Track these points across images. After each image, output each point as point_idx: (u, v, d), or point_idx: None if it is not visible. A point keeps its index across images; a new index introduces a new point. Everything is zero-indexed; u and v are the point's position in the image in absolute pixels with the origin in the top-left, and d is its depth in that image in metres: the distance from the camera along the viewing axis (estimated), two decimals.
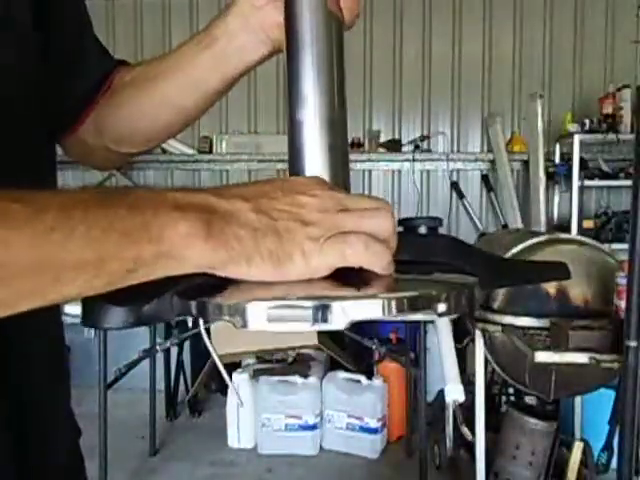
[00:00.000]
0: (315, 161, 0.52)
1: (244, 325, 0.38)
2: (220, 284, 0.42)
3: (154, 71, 0.72)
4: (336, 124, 0.53)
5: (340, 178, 0.53)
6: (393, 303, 0.39)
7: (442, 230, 4.67)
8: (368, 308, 0.39)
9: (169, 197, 0.40)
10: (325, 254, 0.41)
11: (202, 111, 0.72)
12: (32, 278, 0.36)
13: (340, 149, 0.53)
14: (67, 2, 0.70)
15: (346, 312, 0.38)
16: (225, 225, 0.40)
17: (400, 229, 0.46)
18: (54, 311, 0.69)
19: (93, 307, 0.41)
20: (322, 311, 0.38)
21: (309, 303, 0.38)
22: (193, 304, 0.41)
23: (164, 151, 4.51)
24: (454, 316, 2.15)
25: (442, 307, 0.41)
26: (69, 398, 0.71)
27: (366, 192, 4.80)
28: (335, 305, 0.38)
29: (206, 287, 0.42)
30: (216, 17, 0.65)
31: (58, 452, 0.66)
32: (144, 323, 0.42)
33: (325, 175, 0.52)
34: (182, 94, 0.70)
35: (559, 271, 0.54)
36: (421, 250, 0.50)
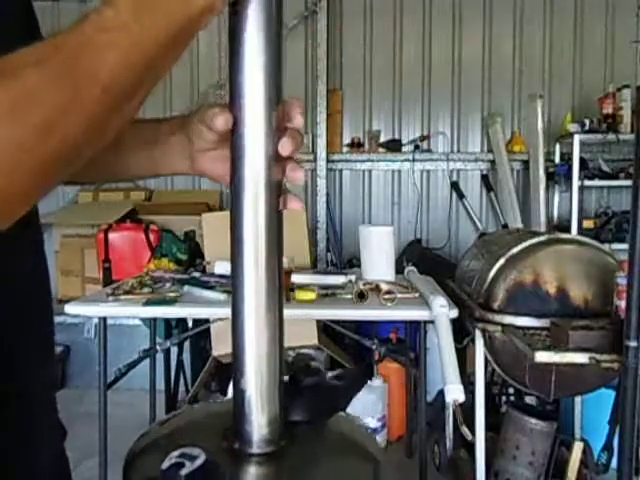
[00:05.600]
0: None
1: None
2: None
3: None
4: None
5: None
6: None
7: (443, 231, 4.67)
8: None
9: None
10: None
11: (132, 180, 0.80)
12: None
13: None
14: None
15: None
16: None
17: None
18: (46, 310, 0.69)
19: None
20: None
21: None
22: None
23: None
24: (454, 315, 2.15)
25: None
26: (55, 399, 0.72)
27: (366, 192, 4.81)
28: None
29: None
30: (171, 121, 0.71)
31: (44, 453, 0.67)
32: None
33: None
34: (117, 169, 0.75)
35: (358, 380, 0.71)
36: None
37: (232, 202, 0.58)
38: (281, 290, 0.60)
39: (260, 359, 0.58)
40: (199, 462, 0.49)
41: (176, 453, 0.50)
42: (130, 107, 0.48)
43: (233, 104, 0.56)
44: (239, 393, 0.59)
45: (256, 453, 0.59)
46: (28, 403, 0.63)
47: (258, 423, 0.58)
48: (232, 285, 0.59)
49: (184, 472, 0.48)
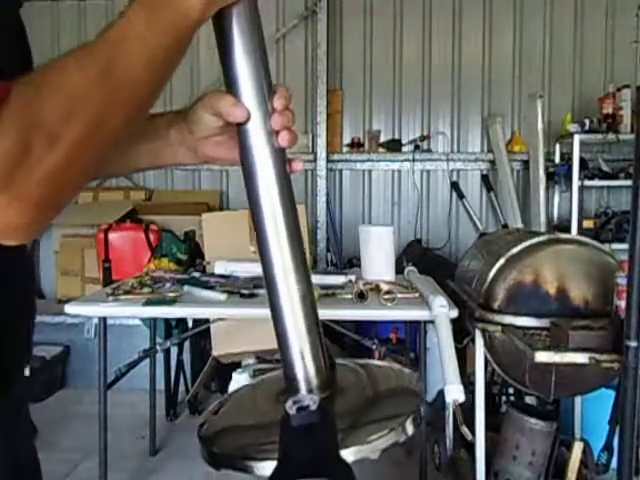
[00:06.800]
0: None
1: None
2: None
3: None
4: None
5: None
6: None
7: (443, 231, 4.67)
8: None
9: None
10: None
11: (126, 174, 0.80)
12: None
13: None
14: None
15: None
16: None
17: None
18: (31, 307, 0.70)
19: None
20: None
21: None
22: None
23: None
24: (454, 315, 2.15)
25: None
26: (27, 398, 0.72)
27: (366, 192, 4.81)
28: None
29: None
30: (168, 115, 0.74)
31: (22, 450, 0.67)
32: None
33: None
34: (113, 162, 0.76)
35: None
36: None
37: (245, 175, 0.63)
38: (303, 253, 0.65)
39: (297, 321, 0.65)
40: (318, 401, 0.53)
41: (289, 402, 0.54)
42: (151, 102, 0.56)
43: (236, 94, 0.62)
44: (286, 355, 0.65)
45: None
46: (8, 401, 0.63)
47: (309, 375, 0.64)
48: (260, 256, 0.64)
49: (314, 407, 0.52)
